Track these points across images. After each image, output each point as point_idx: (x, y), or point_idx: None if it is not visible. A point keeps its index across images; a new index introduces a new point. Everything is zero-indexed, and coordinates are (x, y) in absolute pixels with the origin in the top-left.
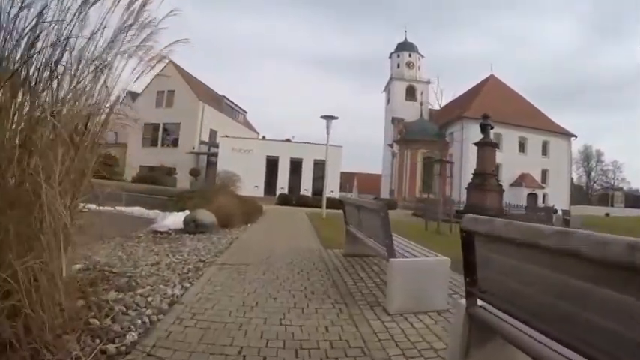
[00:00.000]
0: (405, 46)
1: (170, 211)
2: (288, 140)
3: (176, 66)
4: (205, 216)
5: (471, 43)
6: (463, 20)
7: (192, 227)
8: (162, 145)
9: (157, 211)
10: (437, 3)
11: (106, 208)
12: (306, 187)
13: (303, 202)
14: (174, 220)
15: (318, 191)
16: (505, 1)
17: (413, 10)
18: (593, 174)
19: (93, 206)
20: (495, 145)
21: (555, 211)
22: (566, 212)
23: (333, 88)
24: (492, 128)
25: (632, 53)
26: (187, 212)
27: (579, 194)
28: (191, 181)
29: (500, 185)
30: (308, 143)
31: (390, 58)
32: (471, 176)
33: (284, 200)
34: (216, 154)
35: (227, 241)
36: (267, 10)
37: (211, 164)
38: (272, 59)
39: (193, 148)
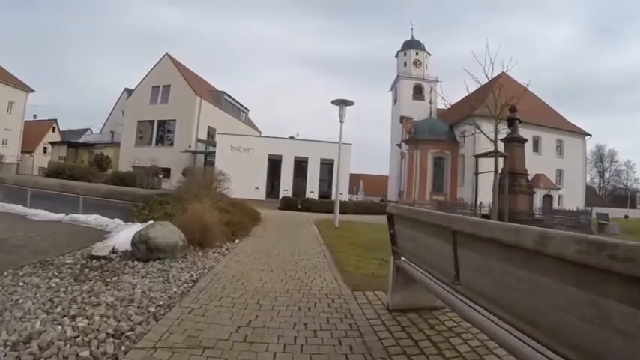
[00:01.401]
0: (411, 44)
1: (134, 220)
2: (292, 138)
3: (173, 59)
4: (164, 233)
5: (470, 44)
6: (462, 21)
7: (144, 251)
8: (157, 144)
9: (118, 220)
10: (434, 5)
11: (59, 215)
12: (312, 189)
13: (308, 206)
14: (126, 237)
15: (325, 194)
16: (507, 2)
17: (405, 13)
18: (606, 174)
19: None
20: (524, 141)
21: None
22: (602, 216)
23: (329, 90)
24: (520, 122)
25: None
26: (153, 224)
27: (592, 195)
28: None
29: (531, 186)
30: (314, 141)
31: (396, 56)
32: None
33: (287, 204)
34: (214, 154)
35: (191, 276)
36: (261, 12)
37: (209, 164)
38: (269, 61)
39: (189, 147)
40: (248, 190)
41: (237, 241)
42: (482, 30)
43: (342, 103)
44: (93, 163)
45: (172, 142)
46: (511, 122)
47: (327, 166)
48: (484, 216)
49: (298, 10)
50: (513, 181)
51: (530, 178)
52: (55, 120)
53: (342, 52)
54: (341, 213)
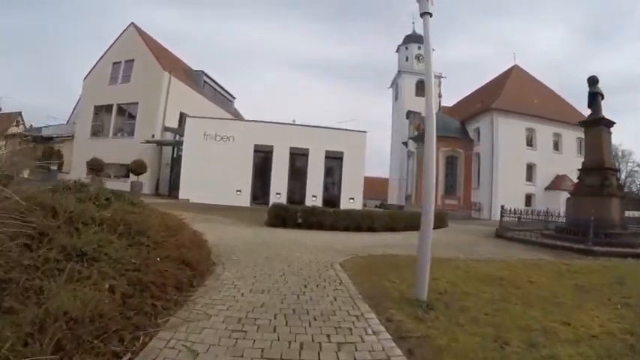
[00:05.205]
0: (413, 38)
1: None
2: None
3: (139, 29)
4: None
5: (466, 46)
6: (455, 24)
7: None
8: (116, 134)
9: None
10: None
11: None
12: (314, 193)
13: (316, 220)
14: None
15: (331, 199)
16: (505, 4)
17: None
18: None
19: None
20: (612, 124)
21: None
22: None
23: (323, 93)
24: (603, 98)
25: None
26: None
27: None
28: (133, 183)
29: (622, 186)
30: (317, 127)
31: (397, 51)
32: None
33: (281, 217)
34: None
35: None
36: (246, 13)
37: (180, 159)
38: (261, 65)
39: (153, 136)
40: (226, 192)
41: None
42: (479, 32)
43: None
44: (41, 158)
45: (133, 132)
46: (592, 98)
47: (334, 161)
48: (561, 229)
49: (283, 13)
50: (604, 179)
51: (552, 179)
52: (20, 113)
53: (332, 54)
54: (367, 230)
